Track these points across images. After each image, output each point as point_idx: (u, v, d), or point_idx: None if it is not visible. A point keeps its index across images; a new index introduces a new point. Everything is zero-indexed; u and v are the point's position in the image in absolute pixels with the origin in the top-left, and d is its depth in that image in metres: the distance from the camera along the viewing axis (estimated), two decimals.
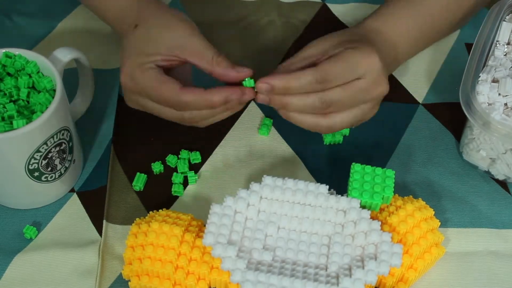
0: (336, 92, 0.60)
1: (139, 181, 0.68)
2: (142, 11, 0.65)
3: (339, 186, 0.64)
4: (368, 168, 0.62)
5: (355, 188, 0.61)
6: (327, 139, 0.72)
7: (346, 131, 0.72)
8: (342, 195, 0.61)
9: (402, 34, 0.67)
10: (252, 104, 0.75)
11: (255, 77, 0.78)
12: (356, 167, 0.62)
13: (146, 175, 0.69)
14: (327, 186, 0.61)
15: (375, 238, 0.57)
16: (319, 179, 0.69)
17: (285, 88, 0.59)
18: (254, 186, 0.61)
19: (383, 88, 0.62)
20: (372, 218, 0.60)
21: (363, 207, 0.61)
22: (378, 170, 0.62)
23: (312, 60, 0.61)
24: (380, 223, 0.58)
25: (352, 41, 0.62)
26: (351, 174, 0.62)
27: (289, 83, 0.59)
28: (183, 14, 0.65)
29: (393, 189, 0.61)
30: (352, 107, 0.61)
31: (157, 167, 0.69)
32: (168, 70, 0.63)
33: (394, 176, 0.61)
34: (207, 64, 0.61)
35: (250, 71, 0.61)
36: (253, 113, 0.75)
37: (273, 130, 0.73)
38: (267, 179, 0.61)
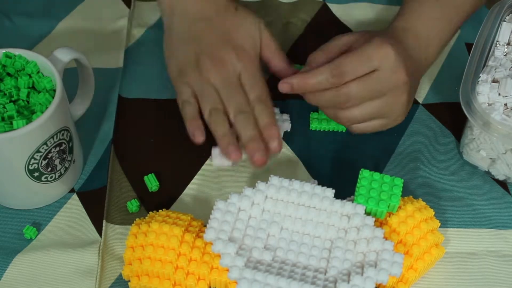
0: (352, 85, 0.62)
1: (150, 181, 0.68)
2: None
3: (339, 187, 0.64)
4: (377, 175, 0.61)
5: (361, 194, 0.60)
6: (313, 126, 0.73)
7: (343, 128, 0.72)
8: (343, 198, 0.61)
9: (431, 28, 0.68)
10: None
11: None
12: (364, 173, 0.61)
13: (153, 174, 0.68)
14: (333, 190, 0.60)
15: (377, 246, 0.57)
16: (319, 181, 0.69)
17: (303, 85, 0.62)
18: (260, 185, 0.61)
19: (400, 76, 0.62)
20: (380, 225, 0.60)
21: (368, 213, 0.60)
22: (387, 177, 0.61)
23: (336, 53, 0.64)
24: (383, 231, 0.58)
25: (370, 36, 0.64)
26: (358, 180, 0.61)
27: (307, 81, 0.62)
28: None
29: (399, 198, 0.60)
30: (372, 100, 0.63)
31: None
32: None
33: (402, 184, 0.61)
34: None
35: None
36: None
37: None
38: (274, 179, 0.61)
